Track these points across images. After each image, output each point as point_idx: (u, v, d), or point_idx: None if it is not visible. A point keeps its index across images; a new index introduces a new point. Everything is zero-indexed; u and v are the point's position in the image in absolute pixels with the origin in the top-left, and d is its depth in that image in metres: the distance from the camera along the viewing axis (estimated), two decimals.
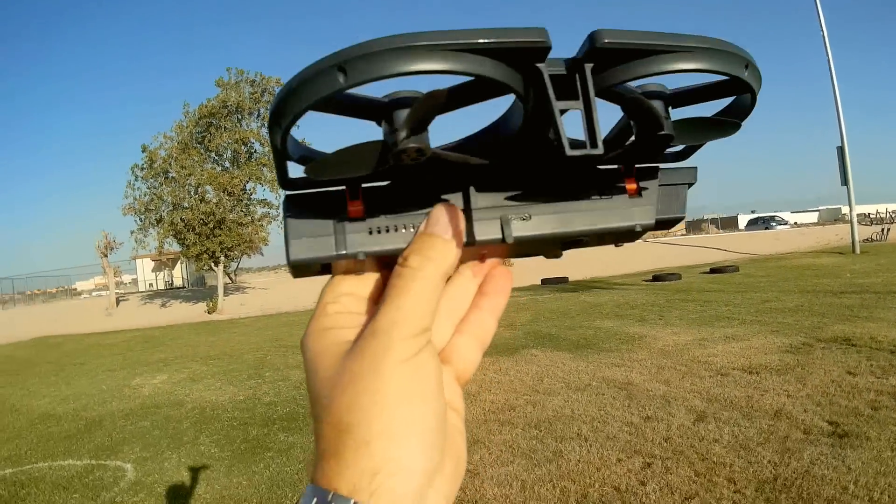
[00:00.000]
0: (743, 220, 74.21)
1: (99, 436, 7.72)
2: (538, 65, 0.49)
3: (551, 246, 0.63)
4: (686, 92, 0.59)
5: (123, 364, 13.63)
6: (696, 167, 0.66)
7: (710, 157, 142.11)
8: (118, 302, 36.50)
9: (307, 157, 0.54)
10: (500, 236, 0.56)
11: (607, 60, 0.50)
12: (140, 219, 29.67)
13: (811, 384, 6.71)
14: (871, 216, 54.48)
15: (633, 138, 0.57)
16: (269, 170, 29.56)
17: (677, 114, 0.59)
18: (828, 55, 27.34)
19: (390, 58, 0.44)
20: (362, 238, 0.55)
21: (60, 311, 35.89)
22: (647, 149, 0.57)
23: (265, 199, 31.19)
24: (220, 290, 29.81)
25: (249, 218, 30.22)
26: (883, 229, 34.99)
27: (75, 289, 62.24)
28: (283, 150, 0.52)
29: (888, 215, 55.74)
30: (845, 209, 42.21)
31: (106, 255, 35.58)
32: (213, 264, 30.03)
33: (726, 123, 0.59)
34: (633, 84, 0.54)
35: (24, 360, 16.24)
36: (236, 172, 29.39)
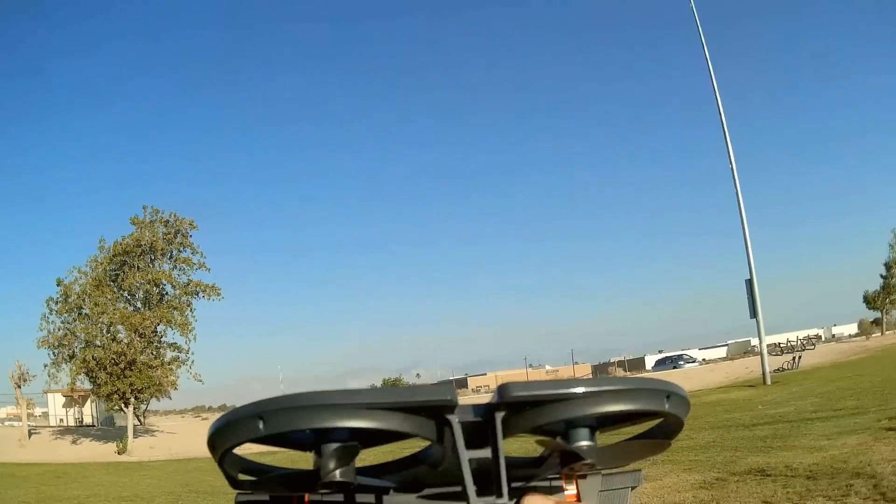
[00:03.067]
0: (650, 361, 75.16)
1: None
2: (448, 416, 0.55)
3: None
4: (612, 417, 0.62)
5: (38, 498, 13.44)
6: (639, 470, 0.74)
7: (614, 301, 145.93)
8: (30, 434, 35.58)
9: (247, 470, 0.61)
10: None
11: (520, 407, 0.56)
12: (54, 353, 29.55)
13: None
14: (782, 345, 56.08)
15: (557, 466, 0.62)
16: (180, 313, 30.16)
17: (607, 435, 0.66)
18: (736, 187, 28.72)
19: (306, 414, 0.50)
20: None
21: None
22: (572, 474, 0.65)
23: (175, 343, 31.38)
24: (130, 431, 29.57)
25: (160, 361, 30.14)
26: (794, 357, 35.99)
27: None
28: (222, 466, 0.59)
29: (799, 343, 57.48)
30: (755, 341, 43.47)
31: (20, 386, 34.97)
32: (123, 405, 29.95)
33: (656, 445, 0.66)
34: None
35: None
36: (148, 314, 29.58)
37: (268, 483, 0.60)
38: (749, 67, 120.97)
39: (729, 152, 29.16)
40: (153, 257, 30.49)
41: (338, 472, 0.54)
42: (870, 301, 62.84)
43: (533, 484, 0.65)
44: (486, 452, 0.56)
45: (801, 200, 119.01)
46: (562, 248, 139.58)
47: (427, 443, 0.60)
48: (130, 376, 28.81)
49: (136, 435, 31.32)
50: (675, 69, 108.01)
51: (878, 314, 64.86)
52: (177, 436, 35.65)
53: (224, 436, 0.53)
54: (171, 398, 33.72)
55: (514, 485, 0.60)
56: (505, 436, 0.56)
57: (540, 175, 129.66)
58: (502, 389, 0.53)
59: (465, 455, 0.53)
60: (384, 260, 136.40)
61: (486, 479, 0.58)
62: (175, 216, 30.96)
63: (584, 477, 0.69)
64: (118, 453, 27.00)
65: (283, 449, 0.59)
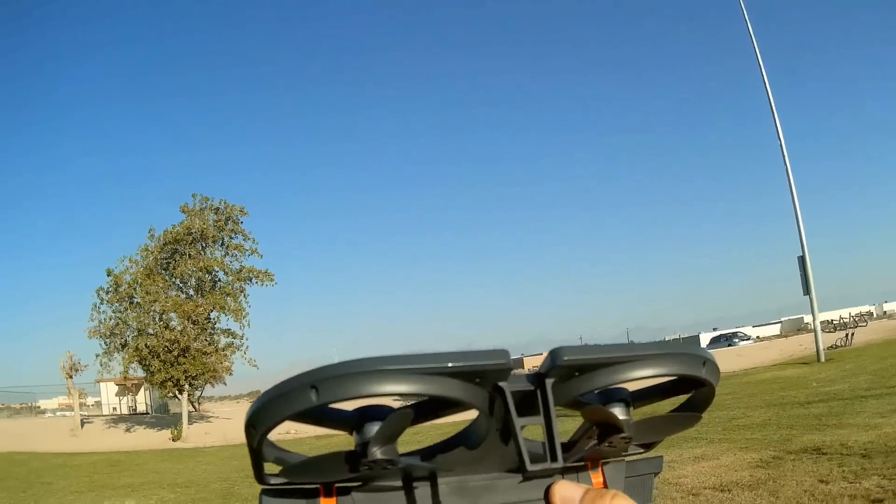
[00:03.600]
0: (705, 339, 73.97)
1: None
2: (501, 384, 0.53)
3: None
4: (647, 391, 0.64)
5: (90, 486, 13.46)
6: (661, 456, 0.74)
7: (668, 276, 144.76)
8: (83, 423, 35.82)
9: (282, 458, 0.60)
10: None
11: (569, 374, 0.55)
12: (105, 343, 29.68)
13: (784, 496, 6.60)
14: (835, 322, 54.99)
15: (594, 442, 0.61)
16: (233, 299, 30.06)
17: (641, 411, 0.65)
18: (786, 164, 28.20)
19: (361, 380, 0.48)
20: None
21: (25, 428, 34.97)
22: (609, 450, 0.63)
23: (229, 329, 31.25)
24: (185, 418, 29.64)
25: (213, 347, 30.13)
26: (847, 334, 35.31)
27: (39, 406, 60.50)
28: (258, 451, 0.57)
29: (851, 320, 56.35)
30: (808, 318, 42.67)
31: (71, 377, 35.18)
32: (177, 392, 29.86)
33: (688, 418, 0.66)
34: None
35: None
36: (200, 301, 29.59)
37: (303, 467, 0.58)
38: (796, 37, 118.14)
39: (777, 126, 28.57)
40: (204, 245, 30.49)
41: (380, 450, 0.52)
42: None
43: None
44: (537, 420, 0.55)
45: (854, 175, 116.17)
46: (616, 227, 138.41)
47: (466, 423, 0.61)
48: (184, 363, 28.91)
49: (190, 421, 31.39)
50: (715, 33, 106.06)
51: None
52: (232, 421, 35.53)
53: (269, 412, 0.51)
54: (225, 384, 33.69)
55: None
56: (557, 403, 0.56)
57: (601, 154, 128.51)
58: (555, 354, 0.53)
59: (518, 422, 0.53)
60: (441, 245, 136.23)
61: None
62: (225, 203, 30.95)
63: (607, 464, 0.69)
64: (173, 440, 27.10)
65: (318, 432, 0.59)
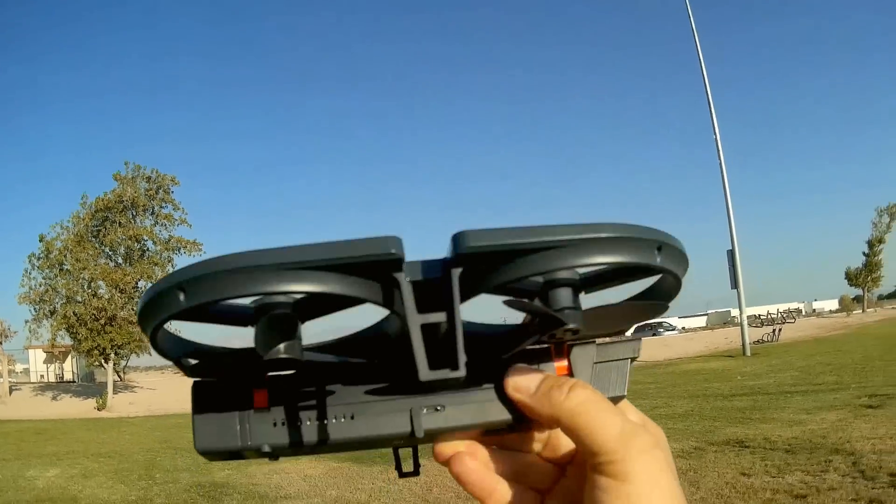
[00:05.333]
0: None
1: None
2: (395, 274, 0.45)
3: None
4: (597, 276, 0.52)
5: (17, 454, 13.58)
6: (639, 338, 0.58)
7: None
8: (11, 390, 35.72)
9: (189, 352, 0.51)
10: (408, 430, 0.51)
11: (482, 262, 0.45)
12: (35, 309, 29.69)
13: (705, 487, 6.58)
14: (762, 317, 56.48)
15: (535, 337, 0.50)
16: (161, 269, 30.03)
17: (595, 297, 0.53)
18: (720, 159, 28.69)
19: (230, 279, 0.41)
20: (267, 430, 0.52)
21: None
22: (554, 342, 0.52)
23: None
24: (110, 388, 29.68)
25: None
26: (774, 330, 36.17)
27: None
28: (155, 347, 0.50)
29: (780, 316, 57.85)
30: (735, 312, 43.70)
31: (0, 343, 35.19)
32: (103, 361, 30.16)
33: (650, 307, 0.53)
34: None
35: None
36: (129, 270, 29.63)
37: (200, 368, 0.50)
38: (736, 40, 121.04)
39: (713, 120, 29.03)
40: (135, 213, 30.43)
41: (281, 346, 0.44)
42: (852, 278, 63.43)
43: (514, 355, 0.53)
44: (440, 316, 0.45)
45: (786, 174, 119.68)
46: (546, 209, 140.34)
47: (382, 314, 0.49)
48: (111, 332, 28.89)
49: (115, 391, 31.36)
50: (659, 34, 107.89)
51: (859, 291, 65.40)
52: (156, 392, 35.62)
53: (147, 313, 0.43)
54: (150, 354, 32.89)
55: (488, 357, 0.51)
56: (466, 296, 0.45)
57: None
58: (457, 239, 0.42)
59: (417, 319, 0.44)
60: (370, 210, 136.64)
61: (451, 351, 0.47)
62: (157, 172, 30.91)
63: (573, 346, 0.54)
64: (98, 409, 26.90)
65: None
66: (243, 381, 0.51)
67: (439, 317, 0.46)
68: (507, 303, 0.47)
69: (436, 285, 0.46)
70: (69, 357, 51.67)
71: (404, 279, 0.45)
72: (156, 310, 0.43)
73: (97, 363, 31.72)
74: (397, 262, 0.44)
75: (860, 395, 11.23)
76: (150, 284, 0.44)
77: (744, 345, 26.42)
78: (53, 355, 52.67)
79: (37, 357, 55.63)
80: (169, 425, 19.00)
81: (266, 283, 0.41)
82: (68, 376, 53.98)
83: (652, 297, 0.53)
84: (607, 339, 0.56)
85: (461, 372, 0.45)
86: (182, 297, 0.42)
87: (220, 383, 0.52)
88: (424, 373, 0.45)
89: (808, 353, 23.33)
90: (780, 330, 36.40)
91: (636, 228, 0.45)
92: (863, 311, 62.09)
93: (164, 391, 35.00)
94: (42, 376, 54.48)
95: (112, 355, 29.92)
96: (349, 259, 0.42)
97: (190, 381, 0.52)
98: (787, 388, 13.67)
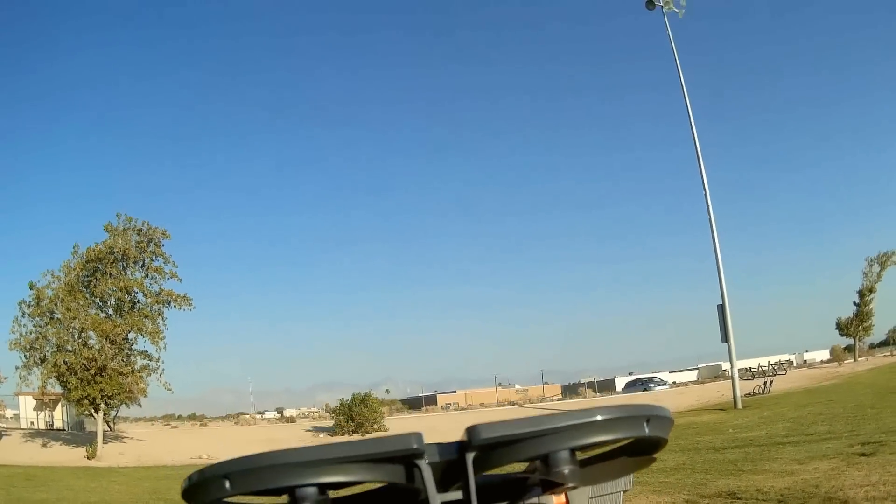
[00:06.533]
0: (620, 383, 74.49)
1: None
2: (417, 461, 0.55)
3: None
4: (594, 444, 0.60)
5: (7, 500, 13.62)
6: (631, 475, 0.71)
7: (586, 322, 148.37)
8: (0, 435, 35.45)
9: None
10: None
11: (493, 446, 0.54)
12: (25, 356, 29.34)
13: None
14: (753, 370, 56.27)
15: (538, 490, 0.61)
16: (151, 321, 30.24)
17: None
18: (709, 214, 28.95)
19: (274, 473, 0.50)
20: None
21: None
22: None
23: (146, 351, 31.29)
24: (100, 437, 29.57)
25: (130, 368, 30.06)
26: (765, 382, 36.12)
27: None
28: None
29: (770, 368, 57.66)
30: (726, 365, 43.57)
31: None
32: (93, 410, 29.86)
33: (640, 461, 0.65)
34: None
35: None
36: (119, 321, 29.60)
37: None
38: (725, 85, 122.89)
39: (702, 175, 29.40)
40: (125, 265, 30.39)
41: None
42: (842, 328, 63.28)
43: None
44: (457, 494, 0.55)
45: (775, 227, 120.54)
46: (536, 268, 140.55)
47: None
48: (101, 382, 28.65)
49: (105, 441, 31.11)
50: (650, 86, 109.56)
51: (850, 341, 65.31)
52: (146, 443, 35.44)
53: (195, 494, 0.53)
54: (140, 405, 33.63)
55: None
56: (480, 472, 0.55)
57: (518, 193, 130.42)
58: (471, 432, 0.51)
59: (437, 499, 0.53)
60: (355, 276, 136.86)
61: None
62: (148, 225, 30.96)
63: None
64: (87, 458, 26.85)
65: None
66: None
67: (457, 495, 0.56)
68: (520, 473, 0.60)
69: (452, 463, 0.55)
70: (59, 405, 51.50)
71: (424, 464, 0.54)
72: (205, 492, 0.52)
73: (87, 412, 31.42)
74: (419, 454, 0.54)
75: (853, 444, 11.22)
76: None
77: (735, 397, 26.40)
78: (44, 403, 52.51)
79: (27, 403, 55.48)
80: (159, 476, 18.99)
81: (307, 477, 0.50)
82: (58, 424, 53.76)
83: (643, 451, 0.64)
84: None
85: None
86: (227, 484, 0.51)
87: None
88: None
89: (800, 404, 23.30)
90: (771, 382, 36.40)
91: (626, 408, 0.56)
92: (854, 360, 61.87)
93: (153, 442, 35.02)
94: (32, 423, 54.26)
95: (102, 405, 29.65)
96: (378, 455, 0.52)
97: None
98: (779, 440, 13.65)
